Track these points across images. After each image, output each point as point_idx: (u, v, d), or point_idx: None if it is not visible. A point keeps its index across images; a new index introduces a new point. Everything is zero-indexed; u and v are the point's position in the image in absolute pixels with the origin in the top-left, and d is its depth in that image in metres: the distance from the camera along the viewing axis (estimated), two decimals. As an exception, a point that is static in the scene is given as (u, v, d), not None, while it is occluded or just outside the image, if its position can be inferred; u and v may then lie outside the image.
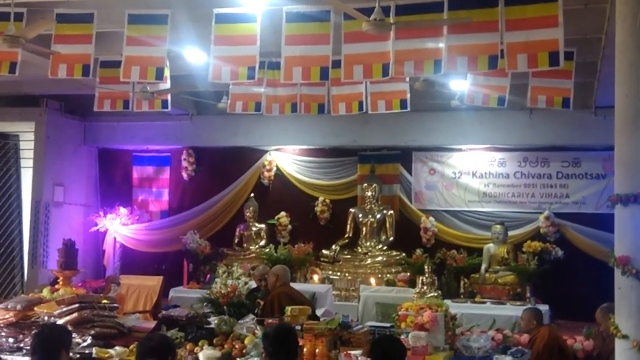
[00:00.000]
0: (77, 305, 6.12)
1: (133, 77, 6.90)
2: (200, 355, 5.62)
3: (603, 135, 9.29)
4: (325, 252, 11.46)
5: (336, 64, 6.38)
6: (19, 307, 6.33)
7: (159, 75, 6.86)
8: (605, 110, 9.58)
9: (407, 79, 7.64)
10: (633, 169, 4.93)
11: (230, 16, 6.51)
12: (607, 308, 5.96)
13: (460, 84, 8.59)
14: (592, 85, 9.18)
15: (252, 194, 12.24)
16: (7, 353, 5.89)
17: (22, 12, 6.72)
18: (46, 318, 6.17)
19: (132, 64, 6.74)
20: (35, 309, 6.39)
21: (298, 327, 5.56)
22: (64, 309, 6.13)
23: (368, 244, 11.47)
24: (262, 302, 7.20)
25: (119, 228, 12.31)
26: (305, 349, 5.44)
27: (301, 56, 6.34)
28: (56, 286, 7.50)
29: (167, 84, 8.41)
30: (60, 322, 5.97)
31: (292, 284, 7.87)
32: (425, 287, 7.57)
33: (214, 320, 6.32)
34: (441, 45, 5.96)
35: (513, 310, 9.28)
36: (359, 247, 11.50)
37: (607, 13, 6.14)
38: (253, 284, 7.92)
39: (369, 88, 7.92)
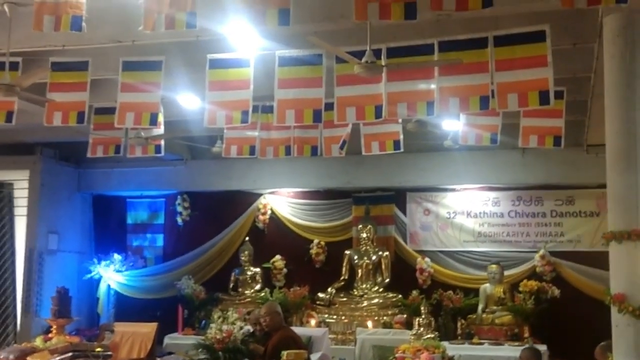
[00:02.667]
0: (70, 354, 6.08)
1: (128, 123, 6.92)
2: (196, 402, 5.55)
3: (596, 172, 9.32)
4: (321, 295, 11.37)
5: (329, 107, 6.44)
6: (11, 357, 6.27)
7: (153, 121, 6.90)
8: (597, 148, 9.65)
9: (400, 120, 7.70)
10: (626, 206, 4.95)
11: (223, 61, 6.59)
12: (605, 346, 5.91)
13: (453, 124, 8.65)
14: (583, 124, 9.26)
15: (247, 238, 12.21)
16: (0, 404, 5.82)
17: (18, 62, 6.78)
18: (40, 367, 6.11)
19: (126, 110, 6.78)
20: (29, 358, 6.32)
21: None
22: (58, 358, 6.06)
23: (364, 286, 11.39)
24: (259, 347, 7.02)
25: (113, 275, 12.22)
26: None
27: (294, 99, 6.40)
28: (49, 335, 7.42)
29: (161, 130, 8.47)
30: (53, 371, 5.91)
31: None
32: (422, 329, 7.50)
33: (209, 367, 6.25)
34: (433, 86, 6.03)
35: (511, 351, 9.17)
36: (355, 290, 11.42)
37: (596, 52, 6.23)
38: (249, 329, 7.81)
39: (362, 130, 7.97)
